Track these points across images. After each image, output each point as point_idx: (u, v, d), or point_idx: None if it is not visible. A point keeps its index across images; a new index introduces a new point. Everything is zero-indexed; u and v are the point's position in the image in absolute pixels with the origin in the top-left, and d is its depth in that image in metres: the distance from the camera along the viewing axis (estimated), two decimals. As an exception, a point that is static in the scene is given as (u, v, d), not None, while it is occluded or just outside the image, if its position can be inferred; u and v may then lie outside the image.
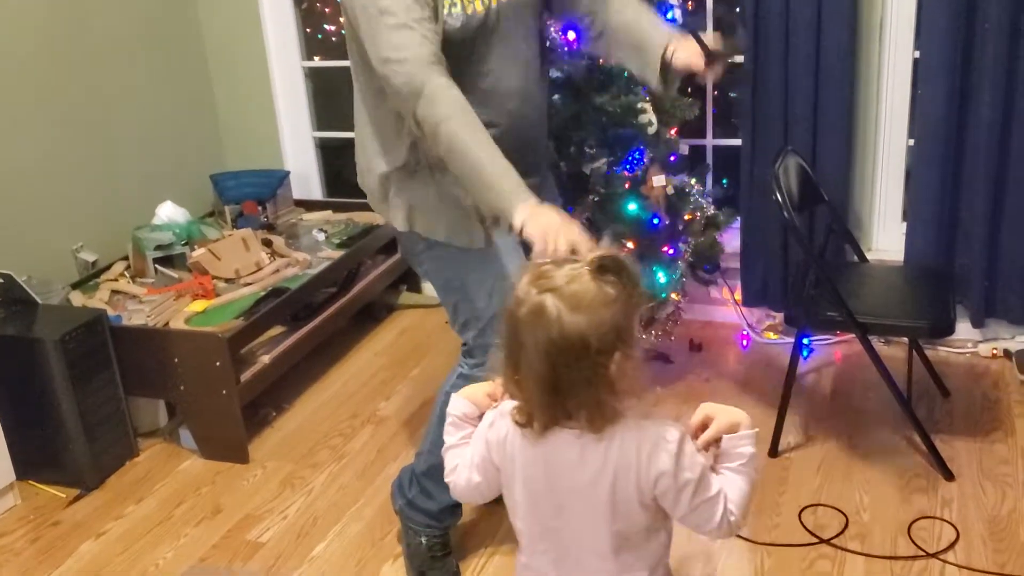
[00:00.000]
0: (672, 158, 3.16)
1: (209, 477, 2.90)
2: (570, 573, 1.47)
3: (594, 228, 3.02)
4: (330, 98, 4.03)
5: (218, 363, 2.86)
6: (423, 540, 2.38)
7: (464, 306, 2.18)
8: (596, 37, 2.23)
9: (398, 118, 2.02)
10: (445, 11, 1.94)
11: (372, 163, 2.16)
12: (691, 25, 2.97)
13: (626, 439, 1.36)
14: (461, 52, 1.98)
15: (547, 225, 1.71)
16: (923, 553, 2.35)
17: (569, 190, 3.03)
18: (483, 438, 1.49)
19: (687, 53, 2.06)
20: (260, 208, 3.78)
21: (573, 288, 1.28)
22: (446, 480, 1.59)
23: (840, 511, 2.52)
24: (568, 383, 1.29)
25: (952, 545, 2.37)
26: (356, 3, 1.93)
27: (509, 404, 1.43)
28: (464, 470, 1.54)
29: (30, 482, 2.88)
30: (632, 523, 1.41)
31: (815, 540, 2.43)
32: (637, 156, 3.02)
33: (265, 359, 3.09)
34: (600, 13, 2.19)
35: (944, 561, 2.32)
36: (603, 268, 1.30)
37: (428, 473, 2.31)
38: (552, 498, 1.42)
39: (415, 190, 2.12)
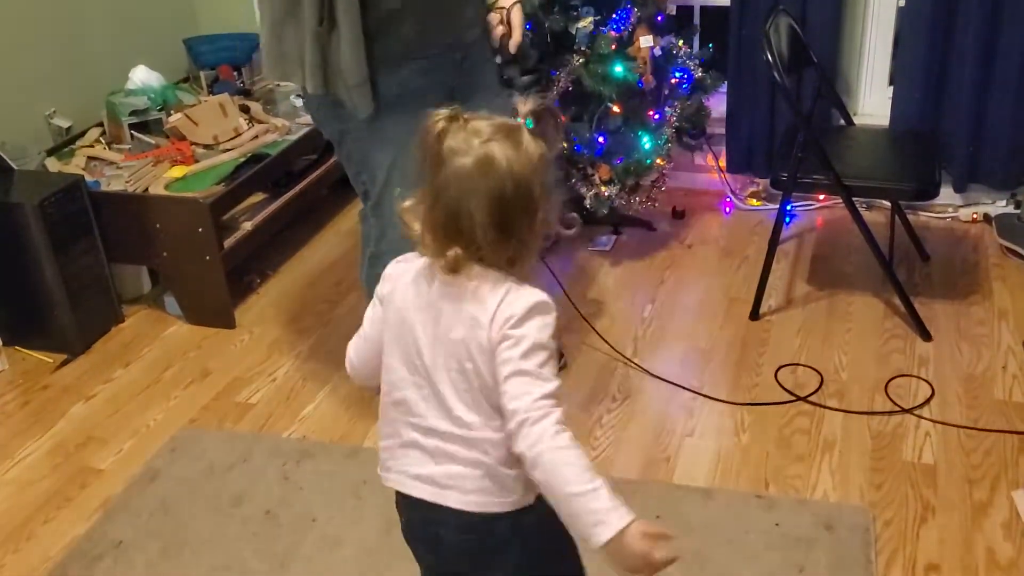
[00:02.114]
0: (659, 18, 3.09)
1: (196, 342, 2.92)
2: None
3: (579, 89, 2.99)
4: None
5: (200, 229, 2.84)
6: None
7: (366, 177, 2.18)
8: None
9: None
10: None
11: (276, 23, 2.06)
12: None
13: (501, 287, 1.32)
14: None
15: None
16: (899, 408, 2.42)
17: (553, 51, 2.98)
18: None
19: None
20: (236, 73, 3.68)
21: (514, 136, 1.28)
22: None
23: (816, 371, 2.58)
24: (517, 227, 1.28)
25: (927, 401, 2.44)
26: None
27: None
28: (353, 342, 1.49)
29: (16, 348, 2.88)
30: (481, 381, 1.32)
31: (793, 398, 2.49)
32: (624, 15, 2.95)
33: (247, 225, 3.07)
34: None
35: (919, 416, 2.39)
36: (538, 120, 1.30)
37: None
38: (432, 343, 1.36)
39: (320, 50, 2.01)
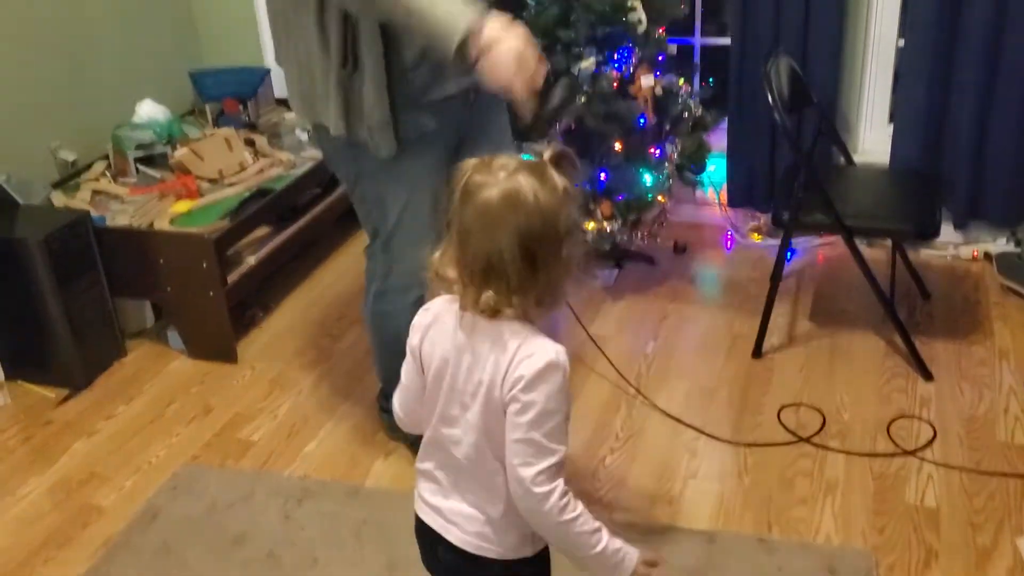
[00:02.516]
0: (660, 58, 3.12)
1: (198, 377, 2.92)
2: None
3: (582, 128, 3.01)
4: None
5: (204, 264, 2.85)
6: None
7: (377, 215, 2.19)
8: None
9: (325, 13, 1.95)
10: None
11: (304, 65, 2.07)
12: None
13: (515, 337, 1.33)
14: None
15: (517, 48, 1.70)
16: (901, 451, 2.42)
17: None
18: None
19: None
20: (241, 107, 3.71)
21: (539, 171, 1.30)
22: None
23: (819, 410, 2.58)
24: (544, 261, 1.29)
25: (929, 443, 2.44)
26: None
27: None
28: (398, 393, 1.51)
29: (20, 382, 2.89)
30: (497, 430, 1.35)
31: (795, 439, 2.49)
32: (625, 55, 2.98)
33: (251, 260, 3.09)
34: None
35: (921, 459, 2.39)
36: (559, 161, 1.33)
37: (389, 383, 2.41)
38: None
39: (343, 92, 2.02)
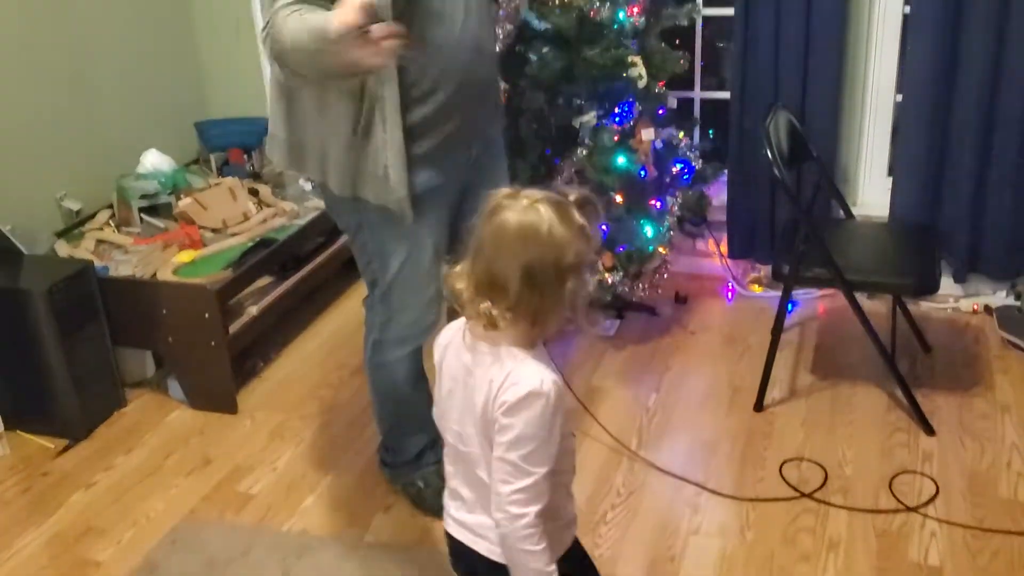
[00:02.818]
0: (660, 111, 3.15)
1: (198, 428, 2.92)
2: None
3: (583, 180, 3.03)
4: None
5: (206, 315, 2.86)
6: (419, 483, 2.47)
7: (377, 267, 2.21)
8: None
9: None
10: None
11: (307, 129, 2.09)
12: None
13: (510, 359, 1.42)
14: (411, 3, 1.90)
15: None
16: (904, 507, 2.41)
17: (558, 142, 3.03)
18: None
19: None
20: (246, 156, 3.74)
21: (560, 206, 1.39)
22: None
23: (820, 465, 2.57)
24: (544, 287, 1.37)
25: (932, 499, 2.43)
26: None
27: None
28: None
29: (18, 432, 2.88)
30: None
31: (797, 494, 2.48)
32: (626, 109, 3.01)
33: (253, 310, 3.09)
34: None
35: (924, 515, 2.37)
36: (582, 204, 1.42)
37: (389, 435, 2.49)
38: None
39: (354, 156, 2.04)
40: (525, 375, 1.38)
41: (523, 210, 1.38)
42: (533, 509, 1.39)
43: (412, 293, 2.21)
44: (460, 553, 1.59)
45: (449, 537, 1.61)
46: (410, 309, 2.24)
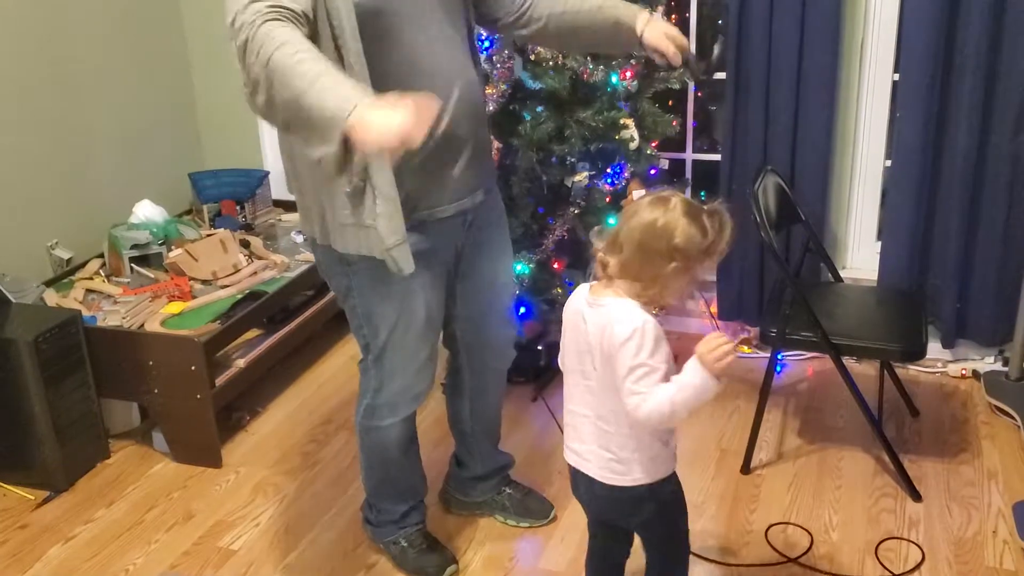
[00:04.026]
0: (652, 172, 3.18)
1: (181, 481, 2.89)
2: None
3: (574, 240, 3.05)
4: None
5: (193, 367, 2.85)
6: (402, 543, 2.44)
7: (368, 331, 2.19)
8: (535, 27, 2.18)
9: None
10: None
11: (304, 183, 2.06)
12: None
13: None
14: (374, 29, 1.86)
15: (373, 132, 1.56)
16: (890, 574, 2.39)
17: (550, 201, 3.05)
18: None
19: (658, 32, 2.09)
20: (238, 208, 3.76)
21: (689, 204, 1.72)
22: None
23: (807, 530, 2.56)
24: (652, 260, 1.70)
25: (918, 566, 2.41)
26: None
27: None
28: None
29: (-1, 483, 2.86)
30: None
31: (783, 559, 2.46)
32: (618, 170, 3.04)
33: (240, 363, 3.08)
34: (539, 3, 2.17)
35: (910, 583, 2.36)
36: (711, 213, 1.73)
37: (374, 494, 2.46)
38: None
39: (344, 206, 1.98)
40: (630, 316, 1.70)
41: (657, 199, 1.72)
42: (644, 413, 1.71)
43: (404, 358, 2.19)
44: (576, 477, 1.93)
45: (569, 466, 1.94)
46: (401, 375, 2.22)
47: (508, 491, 2.65)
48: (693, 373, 1.72)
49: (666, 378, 1.72)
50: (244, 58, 1.68)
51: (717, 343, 1.71)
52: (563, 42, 2.47)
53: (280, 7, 1.70)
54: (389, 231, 1.93)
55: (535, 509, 2.64)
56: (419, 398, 2.27)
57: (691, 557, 2.46)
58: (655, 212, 1.70)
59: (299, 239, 3.63)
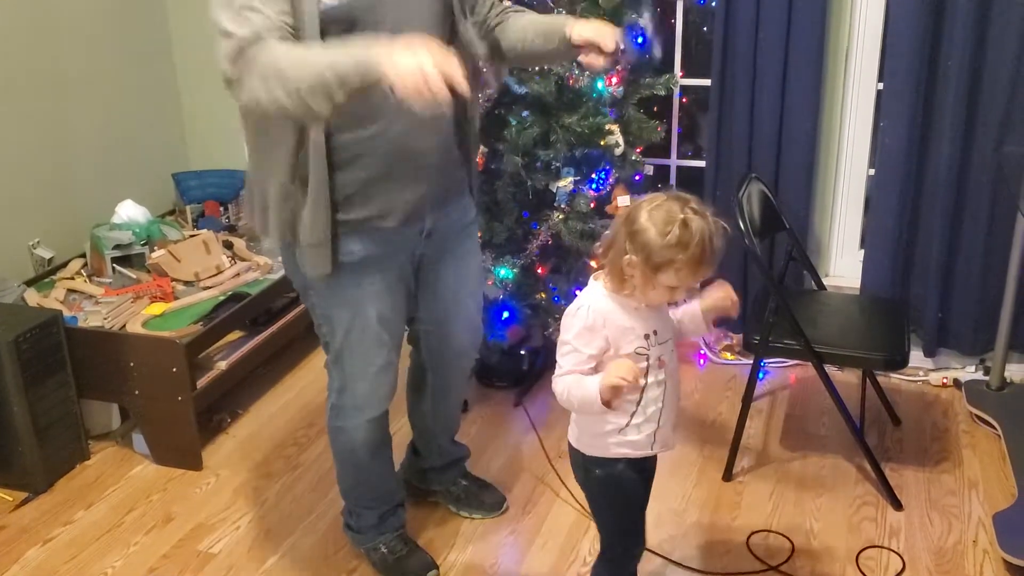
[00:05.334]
0: (637, 178, 3.18)
1: (161, 484, 2.87)
2: None
3: (559, 244, 3.05)
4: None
5: (174, 369, 2.83)
6: (382, 549, 2.44)
7: (326, 331, 2.19)
8: (492, 39, 2.19)
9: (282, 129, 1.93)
10: None
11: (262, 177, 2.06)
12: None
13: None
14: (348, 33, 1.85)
15: (410, 70, 1.61)
16: (870, 583, 2.40)
17: (535, 206, 3.05)
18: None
19: (587, 26, 2.07)
20: (222, 209, 3.74)
21: (685, 202, 1.72)
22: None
23: (788, 538, 2.56)
24: (611, 249, 1.76)
25: (898, 575, 2.42)
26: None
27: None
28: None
29: (-24, 484, 2.83)
30: None
31: (765, 567, 2.46)
32: (603, 176, 3.04)
33: (222, 365, 3.06)
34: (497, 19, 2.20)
35: (890, 592, 2.36)
36: (684, 225, 1.69)
37: (349, 498, 2.46)
38: None
39: (290, 205, 2.01)
40: (580, 298, 1.81)
41: (678, 196, 1.74)
42: (554, 386, 1.83)
43: (361, 360, 2.19)
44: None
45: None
46: (361, 378, 2.21)
47: (464, 483, 2.69)
48: (593, 382, 1.77)
49: (594, 366, 1.79)
50: (255, 84, 1.79)
51: (624, 371, 1.71)
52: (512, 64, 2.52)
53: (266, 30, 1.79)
54: (310, 231, 1.98)
55: (488, 502, 2.68)
56: (383, 401, 2.26)
57: (671, 565, 2.48)
58: (649, 202, 1.74)
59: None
